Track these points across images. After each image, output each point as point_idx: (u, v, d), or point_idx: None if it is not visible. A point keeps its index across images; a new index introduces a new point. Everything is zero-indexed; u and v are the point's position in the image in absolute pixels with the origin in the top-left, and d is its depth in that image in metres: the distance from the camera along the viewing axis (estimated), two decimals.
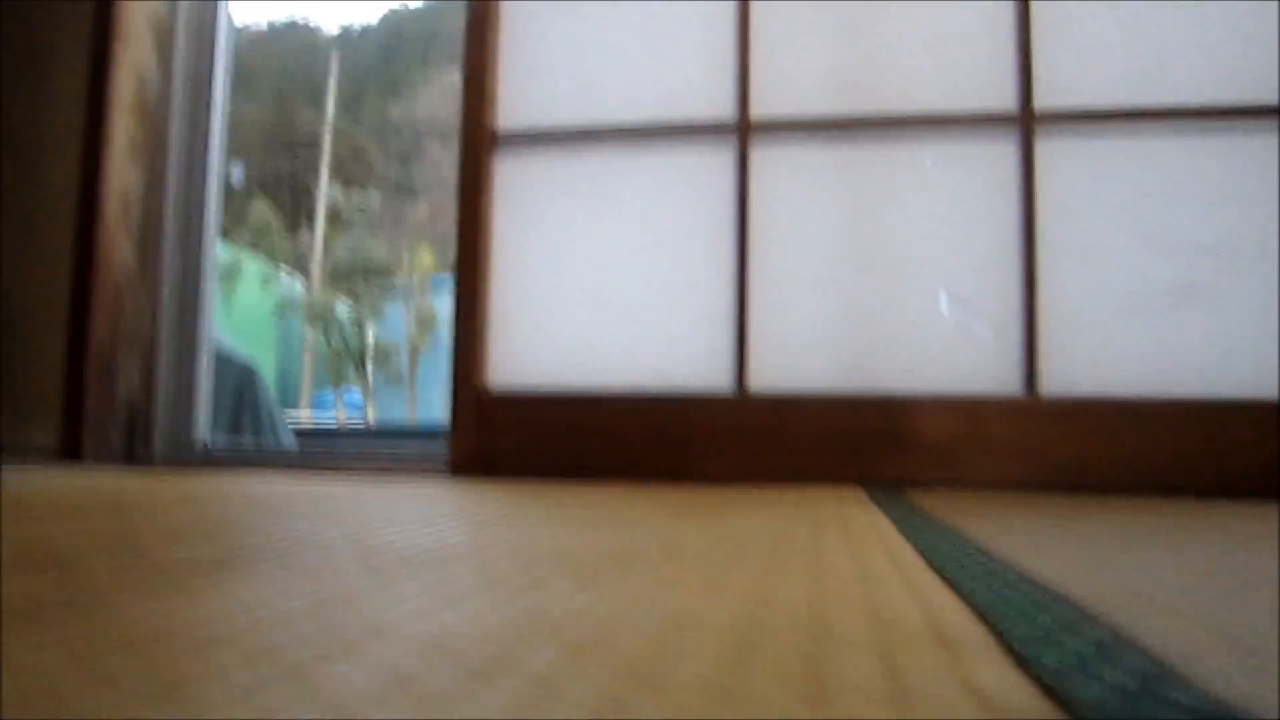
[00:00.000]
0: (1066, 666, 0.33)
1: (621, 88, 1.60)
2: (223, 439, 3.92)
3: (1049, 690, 0.31)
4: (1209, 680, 0.33)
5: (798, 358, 1.50)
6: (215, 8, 1.95)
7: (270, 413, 4.09)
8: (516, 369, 1.58)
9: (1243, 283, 1.42)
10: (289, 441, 4.09)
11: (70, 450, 1.68)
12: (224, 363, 3.98)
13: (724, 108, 1.56)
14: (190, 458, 1.83)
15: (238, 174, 10.85)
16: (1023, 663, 0.34)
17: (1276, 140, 1.43)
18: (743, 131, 1.54)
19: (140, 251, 1.82)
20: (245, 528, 0.74)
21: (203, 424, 1.88)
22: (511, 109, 1.63)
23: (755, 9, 1.56)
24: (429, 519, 0.82)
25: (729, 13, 1.57)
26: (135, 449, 1.79)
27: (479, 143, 1.61)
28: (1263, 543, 0.78)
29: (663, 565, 0.57)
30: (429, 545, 0.64)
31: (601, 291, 1.58)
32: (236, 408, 3.95)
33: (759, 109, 1.55)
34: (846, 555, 0.62)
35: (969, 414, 1.43)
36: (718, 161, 1.55)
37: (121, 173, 1.78)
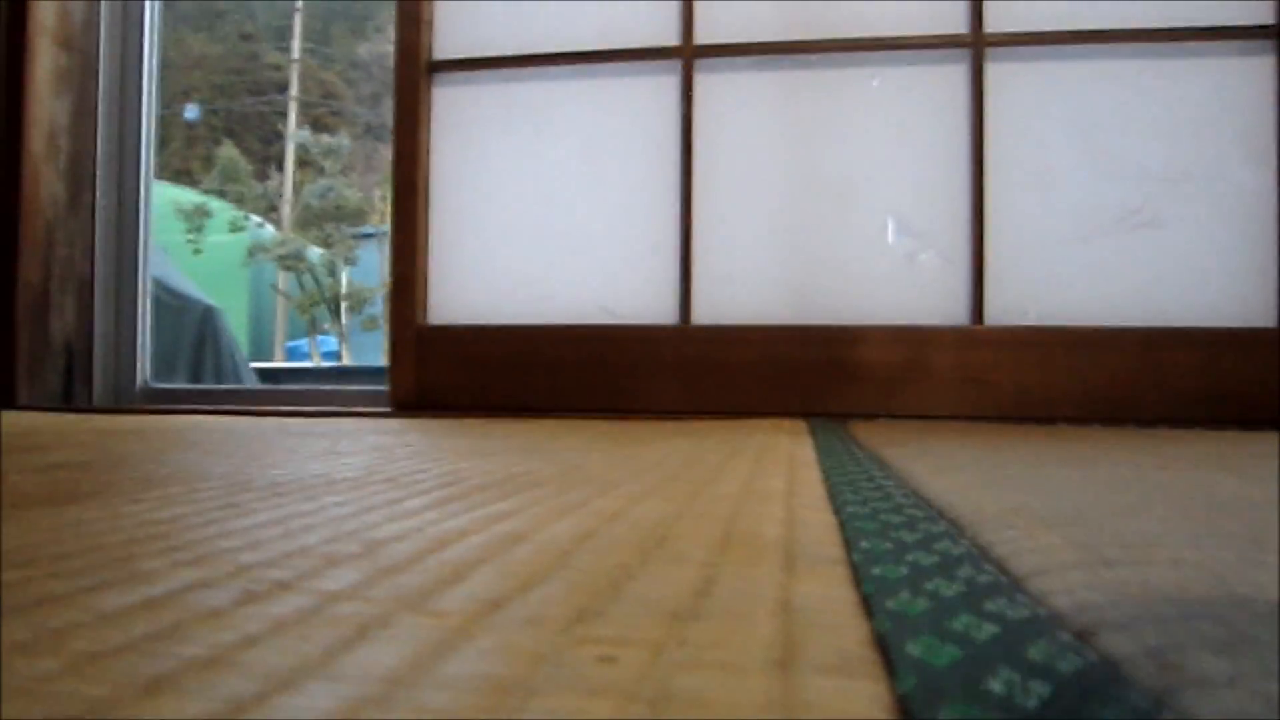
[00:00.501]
0: (895, 579, 0.31)
1: (562, 11, 1.54)
2: (184, 380, 3.87)
3: (865, 603, 0.29)
4: (1046, 591, 0.31)
5: (744, 287, 1.47)
6: (142, 24, 1.85)
7: (232, 354, 4.05)
8: (458, 304, 1.55)
9: (1194, 209, 1.39)
10: (251, 382, 4.06)
11: (4, 394, 1.64)
12: (184, 305, 3.92)
13: (667, 32, 1.50)
14: (132, 399, 1.80)
15: (192, 111, 10.57)
16: (855, 578, 0.32)
17: (1231, 63, 1.39)
18: (686, 56, 1.49)
19: (71, 187, 1.76)
20: (129, 460, 0.71)
21: (145, 364, 1.84)
22: (449, 36, 1.57)
23: None
24: (332, 452, 0.79)
25: None
26: (74, 391, 1.75)
27: (415, 72, 1.55)
28: (1183, 464, 0.77)
29: (546, 487, 0.55)
30: (314, 475, 0.61)
31: (544, 223, 1.54)
32: (198, 349, 3.90)
33: (704, 33, 1.49)
34: (743, 479, 0.60)
35: (915, 344, 1.41)
36: (661, 88, 1.50)
37: (47, 105, 1.71)
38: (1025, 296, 1.42)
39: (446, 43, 1.57)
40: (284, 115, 15.28)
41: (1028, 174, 1.42)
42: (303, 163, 14.95)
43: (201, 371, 3.90)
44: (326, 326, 13.66)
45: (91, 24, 1.79)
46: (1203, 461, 0.78)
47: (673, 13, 1.50)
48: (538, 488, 0.55)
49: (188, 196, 16.97)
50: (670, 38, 1.50)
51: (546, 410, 1.47)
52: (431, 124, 1.56)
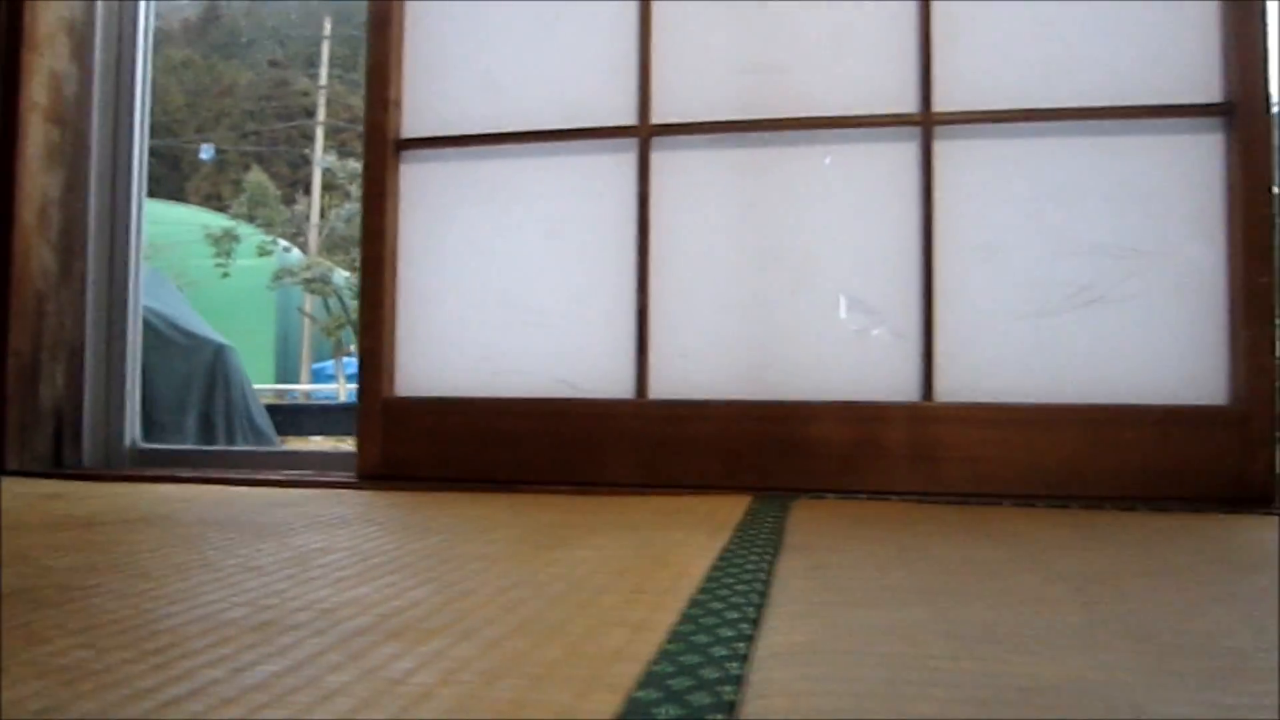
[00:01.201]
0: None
1: (526, 92, 1.59)
2: (193, 419, 3.95)
3: None
4: None
5: (699, 363, 1.50)
6: (135, 7, 1.93)
7: (244, 393, 4.12)
8: (425, 377, 1.59)
9: (1144, 286, 1.40)
10: (262, 420, 4.13)
11: None
12: (196, 344, 4.01)
13: (626, 111, 1.54)
14: (121, 460, 1.85)
15: (208, 151, 10.82)
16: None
17: (1181, 140, 1.40)
18: (643, 135, 1.53)
19: (62, 258, 1.82)
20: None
21: (134, 426, 1.89)
22: (417, 114, 1.62)
23: (657, 10, 1.54)
24: (247, 568, 0.83)
25: (631, 16, 1.55)
26: (64, 455, 1.81)
27: (383, 149, 1.60)
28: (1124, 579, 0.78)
29: (403, 639, 0.58)
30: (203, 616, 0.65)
31: (507, 297, 1.57)
32: (209, 389, 3.98)
33: (660, 112, 1.53)
34: (592, 623, 0.63)
35: (867, 420, 1.43)
36: (619, 165, 1.54)
37: (38, 179, 1.77)
38: (976, 373, 1.43)
39: (414, 122, 1.61)
40: (311, 140, 15.57)
41: (978, 250, 1.44)
42: (329, 187, 15.24)
43: (213, 410, 3.98)
44: (352, 348, 13.87)
45: (84, 100, 1.86)
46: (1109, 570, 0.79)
47: (631, 93, 1.54)
48: (395, 639, 0.58)
49: (217, 221, 17.30)
50: (628, 117, 1.53)
51: (507, 482, 1.50)
52: (400, 200, 1.60)
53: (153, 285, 4.23)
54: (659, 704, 0.44)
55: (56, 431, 1.80)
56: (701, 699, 0.45)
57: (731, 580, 0.78)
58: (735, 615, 0.65)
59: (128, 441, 1.86)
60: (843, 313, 1.47)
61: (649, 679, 0.49)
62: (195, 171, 22.75)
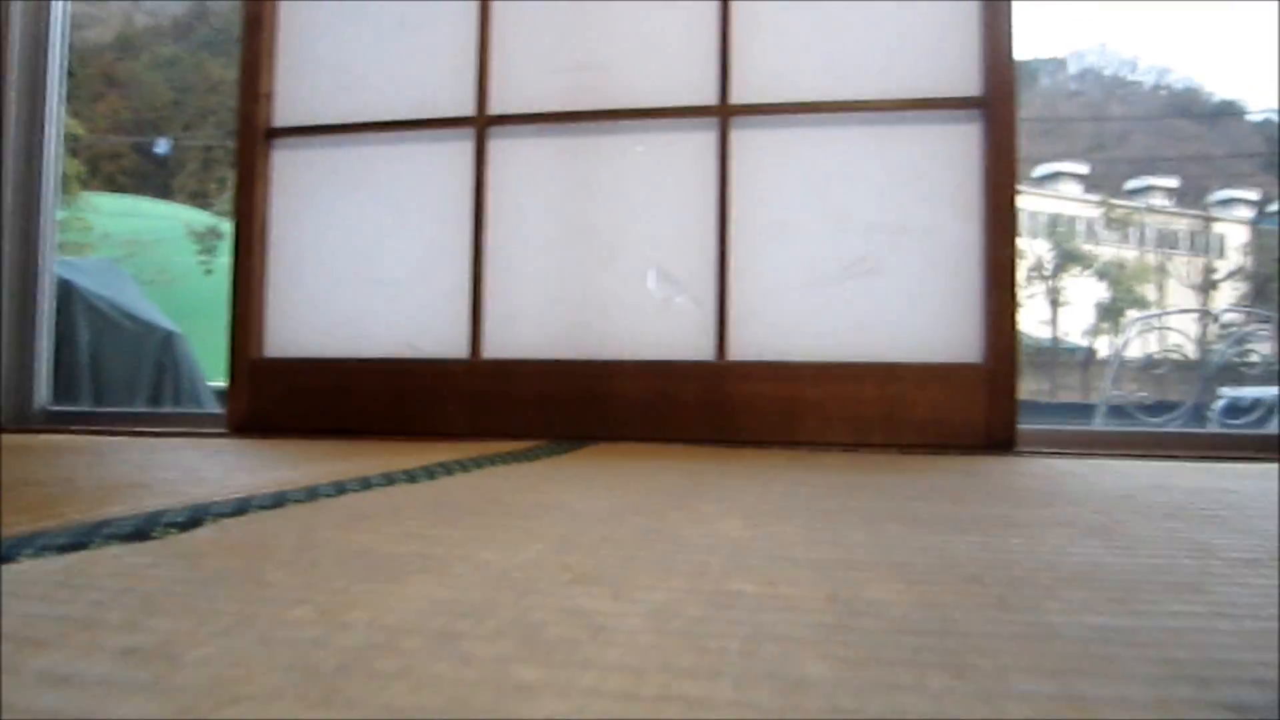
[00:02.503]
0: None
1: (380, 86, 1.77)
2: (144, 402, 4.12)
3: None
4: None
5: (526, 326, 1.69)
6: (47, 41, 2.08)
7: (192, 377, 4.29)
8: (289, 339, 1.77)
9: (911, 259, 1.59)
10: (209, 401, 4.30)
11: None
12: (146, 331, 4.18)
13: (465, 103, 1.72)
14: (31, 419, 2.03)
15: (164, 145, 11.00)
16: None
17: (944, 130, 1.59)
18: (480, 125, 1.71)
19: None
20: None
21: (43, 390, 2.07)
22: (285, 106, 1.80)
23: (494, 12, 1.72)
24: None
25: (472, 19, 1.73)
26: None
27: (254, 137, 1.78)
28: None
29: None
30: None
31: (362, 269, 1.76)
32: (158, 373, 4.15)
33: (496, 104, 1.72)
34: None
35: (666, 376, 1.61)
36: (460, 151, 1.72)
37: None
38: (765, 335, 1.62)
39: (283, 113, 1.80)
40: None
41: (768, 227, 1.63)
42: None
43: (161, 393, 4.16)
44: None
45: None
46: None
47: (470, 87, 1.72)
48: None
49: (201, 218, 17.34)
50: (467, 109, 1.72)
51: (359, 433, 1.69)
52: (270, 184, 1.79)
53: (107, 275, 4.41)
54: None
55: None
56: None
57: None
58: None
59: (37, 404, 2.04)
60: (650, 283, 1.65)
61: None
62: (181, 168, 22.84)
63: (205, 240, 14.95)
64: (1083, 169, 29.26)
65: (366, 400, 1.71)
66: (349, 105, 1.78)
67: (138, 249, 14.51)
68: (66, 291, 3.84)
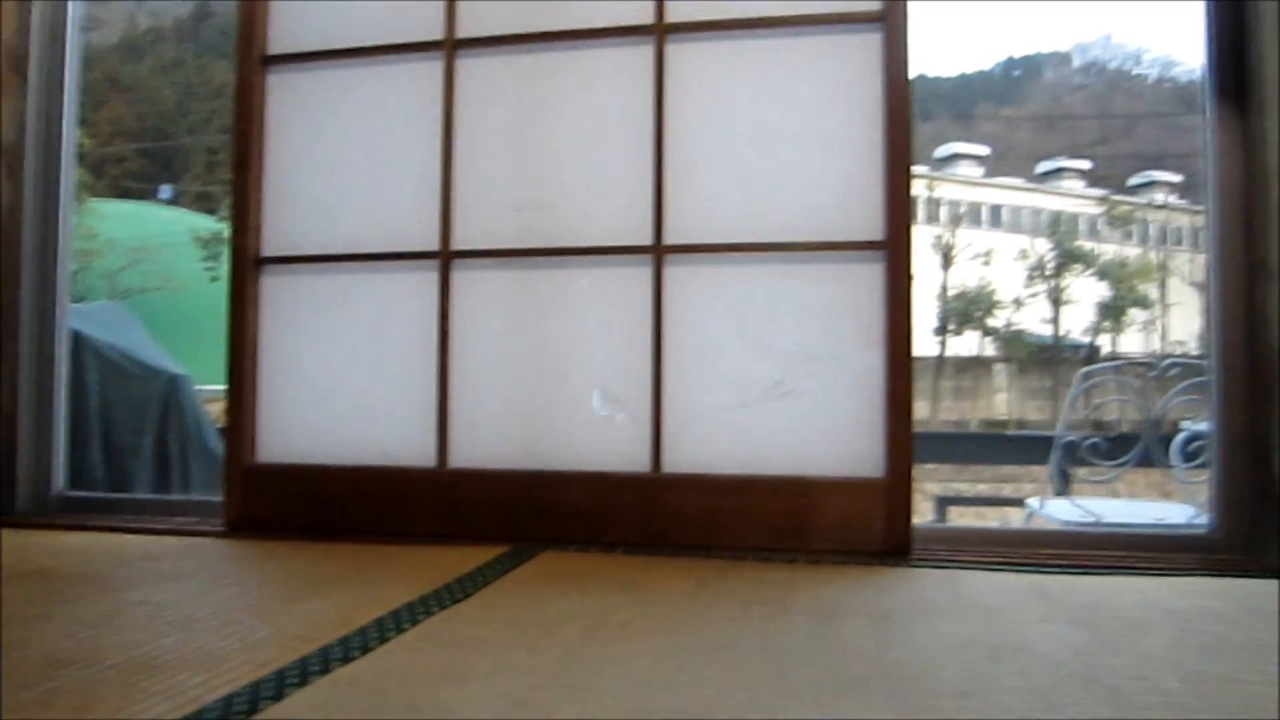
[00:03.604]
0: None
1: (356, 221, 1.99)
2: (148, 445, 4.35)
3: None
4: None
5: (486, 438, 1.91)
6: (61, 122, 2.31)
7: (197, 421, 4.51)
8: (277, 445, 2.00)
9: (822, 383, 1.81)
10: (214, 443, 4.52)
11: None
12: (150, 375, 4.41)
13: (431, 239, 1.94)
14: (47, 505, 2.26)
15: (166, 191, 11.25)
16: None
17: (851, 269, 1.81)
18: (444, 258, 1.93)
19: None
20: None
21: (59, 477, 2.30)
22: (272, 237, 2.02)
23: (456, 154, 1.94)
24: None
25: (435, 161, 1.95)
26: (0, 501, 2.22)
27: (245, 264, 2.00)
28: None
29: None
30: None
31: (341, 383, 1.98)
32: (162, 418, 4.38)
33: (459, 240, 1.93)
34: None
35: (607, 487, 1.84)
36: (426, 281, 1.94)
37: None
38: (695, 450, 1.84)
39: (270, 243, 2.02)
40: None
41: (696, 353, 1.84)
42: None
43: (167, 439, 4.39)
44: None
45: (15, 209, 2.26)
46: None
47: (434, 223, 1.94)
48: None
49: (205, 224, 17.52)
50: (433, 244, 1.94)
51: (341, 532, 1.91)
52: (260, 307, 2.01)
53: (112, 319, 4.65)
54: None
55: None
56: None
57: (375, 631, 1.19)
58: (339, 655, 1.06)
59: (54, 491, 2.27)
60: (594, 401, 1.87)
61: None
62: (186, 172, 23.07)
63: (210, 246, 15.19)
64: (1085, 165, 29.39)
65: (347, 503, 1.93)
66: (329, 236, 2.00)
67: (143, 256, 14.74)
68: (77, 343, 4.09)
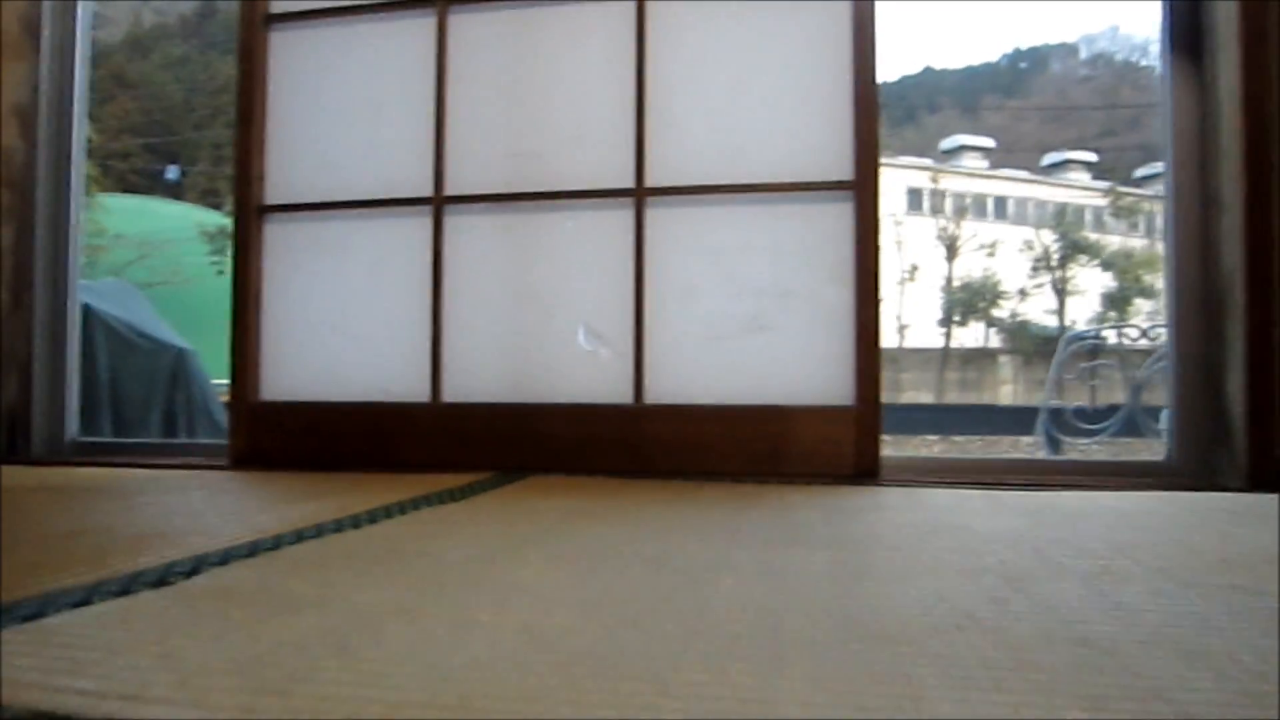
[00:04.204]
0: None
1: (354, 169, 2.09)
2: (157, 416, 4.46)
3: None
4: None
5: (478, 373, 2.01)
6: (72, 82, 2.42)
7: (204, 393, 4.62)
8: (281, 384, 2.10)
9: (795, 318, 1.90)
10: (220, 414, 4.64)
11: None
12: (158, 348, 4.52)
13: (425, 185, 2.04)
14: (61, 450, 2.37)
15: (173, 172, 11.37)
16: None
17: (822, 209, 1.90)
18: (437, 204, 2.03)
19: (13, 295, 2.34)
20: None
21: (73, 424, 2.41)
22: (275, 186, 2.13)
23: (449, 106, 2.04)
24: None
25: (429, 111, 2.05)
26: (17, 445, 2.33)
27: (249, 212, 2.11)
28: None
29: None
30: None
31: (341, 324, 2.09)
32: (170, 390, 4.49)
33: (451, 186, 2.03)
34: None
35: (592, 417, 1.93)
36: (421, 226, 2.05)
37: None
38: (675, 382, 1.93)
39: (274, 192, 2.12)
40: None
41: (676, 291, 1.94)
42: None
43: (175, 409, 4.50)
44: None
45: (30, 166, 2.37)
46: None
47: (428, 171, 2.04)
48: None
49: (212, 219, 17.61)
50: (426, 190, 2.04)
51: (340, 465, 2.01)
52: (263, 252, 2.11)
53: (120, 295, 4.76)
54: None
55: (10, 427, 2.32)
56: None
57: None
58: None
59: (68, 437, 2.38)
60: (580, 337, 1.97)
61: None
62: (192, 167, 23.21)
63: (217, 241, 15.32)
64: (1091, 157, 29.37)
65: (346, 437, 2.03)
66: (329, 185, 2.10)
67: (151, 250, 14.87)
68: (87, 316, 4.20)
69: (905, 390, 19.89)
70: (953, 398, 20.08)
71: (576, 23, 2.02)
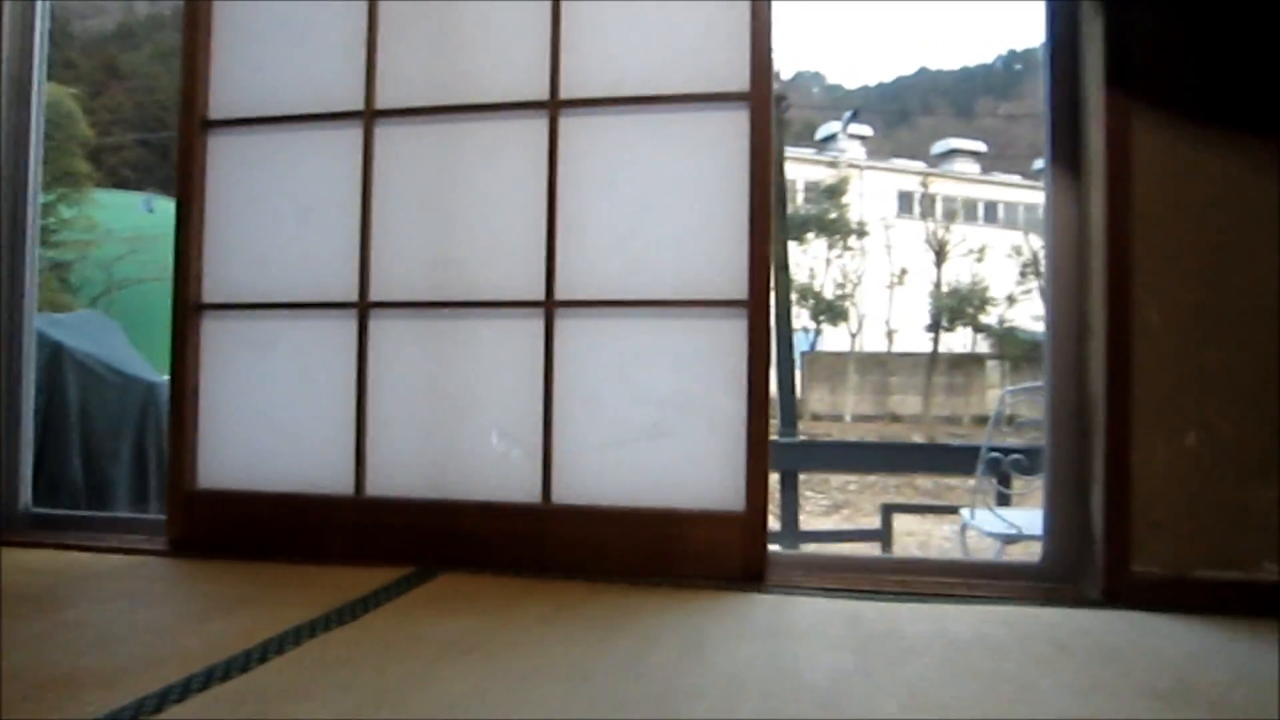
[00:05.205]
0: None
1: (286, 272, 2.22)
2: (127, 450, 4.58)
3: None
4: None
5: (400, 468, 2.14)
6: (31, 82, 2.49)
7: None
8: (216, 474, 2.23)
9: (692, 425, 2.03)
10: None
11: None
12: (127, 383, 4.64)
13: (351, 290, 2.17)
14: (14, 520, 2.50)
15: (146, 204, 11.47)
16: None
17: (719, 324, 2.03)
18: (363, 308, 2.16)
19: None
20: None
21: (27, 495, 2.53)
22: (212, 284, 2.25)
23: (375, 220, 2.17)
24: None
25: (355, 218, 2.17)
26: None
27: (187, 309, 2.23)
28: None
29: None
30: None
31: (273, 418, 2.21)
32: (140, 425, 4.60)
33: (377, 292, 2.16)
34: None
35: (502, 515, 2.07)
36: (349, 328, 2.17)
37: None
38: (581, 484, 2.06)
39: (210, 290, 2.25)
40: None
41: (583, 397, 2.07)
42: None
43: (145, 446, 4.62)
44: None
45: None
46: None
47: (354, 276, 2.17)
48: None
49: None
50: (352, 295, 2.17)
51: (272, 553, 2.14)
52: (200, 347, 2.24)
53: (93, 329, 4.88)
54: None
55: None
56: None
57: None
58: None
59: (20, 507, 2.51)
60: (493, 439, 2.10)
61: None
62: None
63: None
64: None
65: (276, 526, 2.16)
66: (262, 285, 2.23)
67: (140, 245, 14.94)
68: (58, 355, 4.33)
69: (893, 394, 20.02)
70: (940, 401, 20.22)
71: (494, 136, 2.14)
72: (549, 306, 2.08)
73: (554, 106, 2.10)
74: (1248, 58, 1.87)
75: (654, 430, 2.04)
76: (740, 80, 2.03)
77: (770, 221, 2.01)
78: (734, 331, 2.02)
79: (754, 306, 2.00)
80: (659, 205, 2.07)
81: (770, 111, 2.02)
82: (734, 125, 2.04)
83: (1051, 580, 2.01)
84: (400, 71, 2.18)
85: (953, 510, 5.04)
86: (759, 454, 1.99)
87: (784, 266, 6.05)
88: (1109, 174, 1.90)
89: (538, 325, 2.09)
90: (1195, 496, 1.86)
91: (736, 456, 2.01)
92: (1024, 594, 1.94)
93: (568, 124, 2.10)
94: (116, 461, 4.43)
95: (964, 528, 3.98)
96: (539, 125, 2.11)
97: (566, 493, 2.07)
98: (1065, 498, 2.02)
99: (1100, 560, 1.89)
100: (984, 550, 3.92)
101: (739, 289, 2.02)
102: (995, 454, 4.24)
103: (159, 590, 1.86)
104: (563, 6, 2.10)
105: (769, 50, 2.03)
